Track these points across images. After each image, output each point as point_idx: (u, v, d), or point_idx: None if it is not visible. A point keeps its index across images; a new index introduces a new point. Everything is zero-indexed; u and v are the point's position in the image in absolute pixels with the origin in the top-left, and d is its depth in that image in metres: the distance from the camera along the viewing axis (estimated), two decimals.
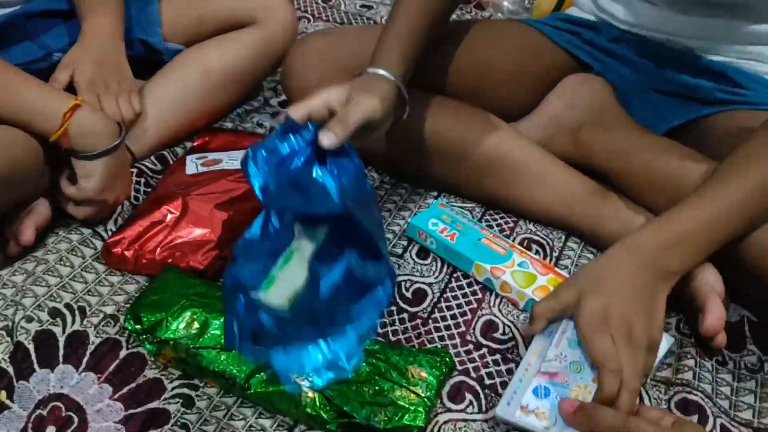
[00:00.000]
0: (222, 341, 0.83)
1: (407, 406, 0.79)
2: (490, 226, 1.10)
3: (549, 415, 0.77)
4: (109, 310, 0.93)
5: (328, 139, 0.82)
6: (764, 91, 1.08)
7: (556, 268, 1.00)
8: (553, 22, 1.22)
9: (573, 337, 0.82)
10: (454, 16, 1.56)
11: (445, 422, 0.83)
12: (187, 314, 0.85)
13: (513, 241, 1.08)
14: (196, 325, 0.85)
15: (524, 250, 1.02)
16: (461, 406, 0.85)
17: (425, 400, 0.80)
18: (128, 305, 0.93)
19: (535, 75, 1.18)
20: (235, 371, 0.82)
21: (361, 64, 1.10)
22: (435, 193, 1.15)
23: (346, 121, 0.84)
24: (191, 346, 0.84)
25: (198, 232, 1.00)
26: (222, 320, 0.85)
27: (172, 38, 1.21)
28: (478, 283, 1.01)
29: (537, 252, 1.06)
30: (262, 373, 0.82)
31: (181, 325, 0.85)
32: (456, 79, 1.13)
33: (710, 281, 0.92)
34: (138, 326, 0.85)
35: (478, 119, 1.10)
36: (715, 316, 0.89)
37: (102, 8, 1.12)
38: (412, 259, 1.04)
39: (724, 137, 1.05)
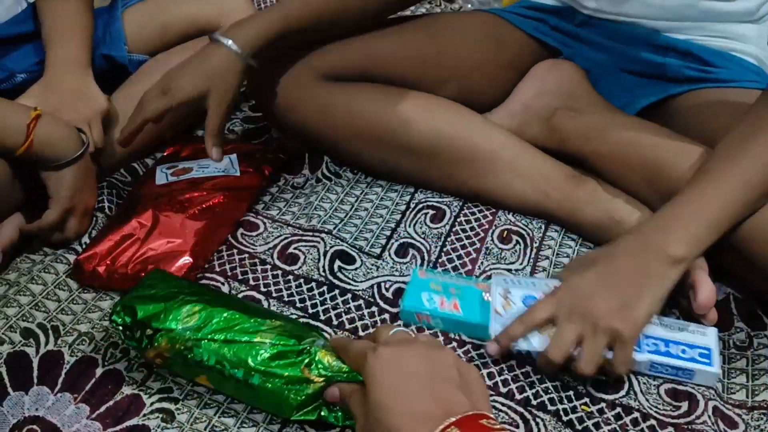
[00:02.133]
0: (226, 336, 0.80)
1: None
2: (468, 221, 1.08)
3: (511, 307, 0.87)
4: (84, 328, 0.91)
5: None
6: (732, 68, 1.08)
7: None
8: (518, 10, 1.21)
9: None
10: (422, 10, 1.55)
11: None
12: (187, 307, 0.82)
13: (493, 232, 1.06)
14: (196, 317, 0.81)
15: None
16: None
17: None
18: (103, 321, 0.91)
19: (503, 64, 1.17)
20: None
21: (326, 65, 1.09)
22: (411, 189, 1.14)
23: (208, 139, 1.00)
24: (192, 337, 0.80)
25: (170, 243, 0.98)
26: (225, 314, 0.81)
27: (136, 48, 1.20)
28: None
29: (517, 243, 1.05)
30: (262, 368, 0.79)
31: (183, 317, 0.81)
32: (423, 72, 1.12)
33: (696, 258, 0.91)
34: (129, 318, 0.81)
35: (447, 111, 1.09)
36: (706, 291, 0.88)
37: (67, 36, 1.10)
38: (391, 259, 1.02)
39: (694, 115, 1.05)
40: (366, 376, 0.67)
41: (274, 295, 0.96)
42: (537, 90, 1.14)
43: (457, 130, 1.07)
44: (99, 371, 0.86)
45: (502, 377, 0.87)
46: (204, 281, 0.98)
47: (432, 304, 0.91)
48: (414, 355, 0.67)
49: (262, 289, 0.97)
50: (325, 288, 0.97)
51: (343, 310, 0.94)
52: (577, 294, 0.83)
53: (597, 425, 0.82)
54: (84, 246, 1.01)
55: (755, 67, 1.10)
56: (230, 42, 0.99)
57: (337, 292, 0.97)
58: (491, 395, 0.85)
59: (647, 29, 1.10)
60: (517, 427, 0.81)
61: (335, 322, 0.93)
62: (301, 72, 1.07)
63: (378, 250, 1.04)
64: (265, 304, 0.95)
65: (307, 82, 1.07)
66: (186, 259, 0.96)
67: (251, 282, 0.98)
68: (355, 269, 1.00)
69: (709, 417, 0.83)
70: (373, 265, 1.01)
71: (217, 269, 1.00)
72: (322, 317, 0.94)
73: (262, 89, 1.09)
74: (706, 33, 1.09)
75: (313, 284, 0.98)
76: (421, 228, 1.07)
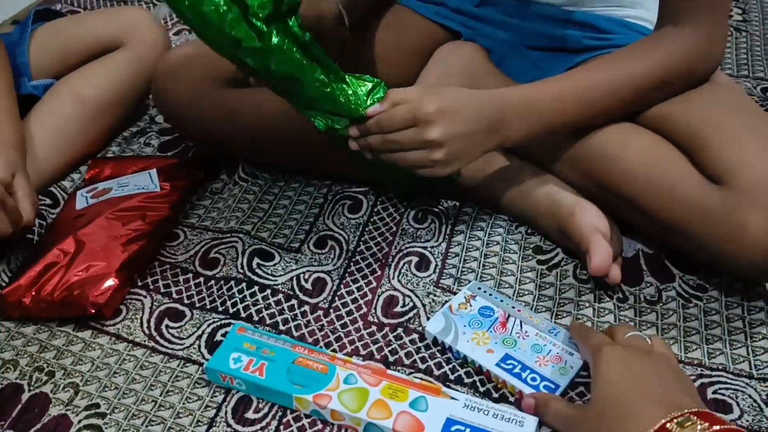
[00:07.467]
0: None
1: None
2: (385, 207, 1.10)
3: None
4: (8, 355, 0.92)
5: None
6: (627, 33, 1.10)
7: (390, 370, 0.85)
8: None
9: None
10: None
11: None
12: None
13: (409, 214, 1.09)
14: None
15: (347, 358, 0.86)
16: None
17: None
18: (27, 347, 0.92)
19: (407, 51, 1.19)
20: None
21: (228, 71, 1.09)
22: (329, 182, 1.16)
23: None
24: None
25: (94, 266, 0.98)
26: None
27: (41, 73, 1.20)
28: (377, 260, 1.02)
29: (433, 222, 1.07)
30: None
31: None
32: None
33: (591, 221, 0.94)
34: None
35: None
36: (599, 255, 0.91)
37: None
38: (310, 251, 1.04)
39: None
40: (599, 361, 0.74)
41: (197, 305, 0.98)
42: (440, 73, 1.16)
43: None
44: (25, 396, 0.87)
45: (420, 354, 0.89)
46: (128, 296, 0.99)
47: (237, 364, 0.86)
48: (645, 362, 0.73)
49: (186, 301, 0.99)
50: (244, 285, 0.99)
51: (263, 305, 0.96)
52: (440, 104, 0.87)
53: (511, 393, 0.85)
54: (8, 273, 1.02)
55: (648, 31, 1.12)
56: None
57: (256, 288, 0.99)
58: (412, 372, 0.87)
59: (545, 5, 1.13)
60: None
61: (256, 318, 0.95)
62: (203, 81, 1.08)
63: (297, 245, 1.05)
64: (188, 315, 0.96)
65: (210, 91, 1.08)
66: (111, 282, 0.96)
67: (174, 294, 1.00)
68: (274, 265, 1.02)
69: None
70: (291, 259, 1.03)
71: (139, 283, 1.01)
72: (243, 315, 0.96)
73: (166, 102, 1.10)
74: (602, 4, 1.12)
75: (233, 283, 1.00)
76: (339, 219, 1.09)
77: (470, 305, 0.92)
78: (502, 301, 0.93)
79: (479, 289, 0.95)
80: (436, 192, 1.10)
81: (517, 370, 0.85)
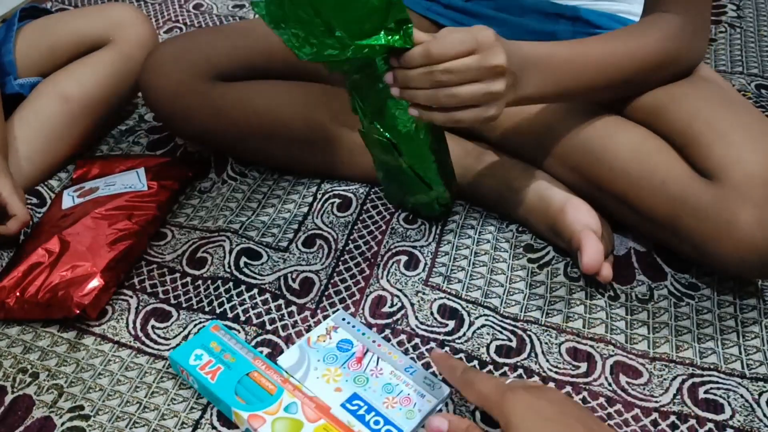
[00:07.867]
0: None
1: None
2: (375, 206, 1.09)
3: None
4: None
5: None
6: (617, 27, 1.09)
7: (333, 411, 0.81)
8: None
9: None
10: None
11: None
12: None
13: (399, 215, 1.08)
14: None
15: (299, 385, 0.84)
16: None
17: None
18: (11, 348, 0.91)
19: None
20: None
21: (215, 67, 1.09)
22: (318, 181, 1.15)
23: None
24: None
25: (79, 267, 0.97)
26: None
27: (27, 71, 1.18)
28: (366, 260, 1.01)
29: (422, 223, 1.06)
30: None
31: None
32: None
33: (582, 218, 0.94)
34: None
35: (339, 100, 1.09)
36: (590, 253, 0.90)
37: None
38: (298, 250, 1.03)
39: None
40: (507, 414, 0.67)
41: (184, 305, 0.97)
42: None
43: (352, 118, 1.07)
44: (8, 399, 0.86)
45: (410, 356, 0.88)
46: (114, 296, 0.98)
47: (196, 362, 0.86)
48: (553, 401, 0.68)
49: (172, 301, 0.97)
50: (231, 284, 0.98)
51: (250, 305, 0.95)
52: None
53: None
54: None
55: None
56: None
57: (243, 287, 0.98)
58: None
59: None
60: None
61: (242, 318, 0.94)
62: (190, 78, 1.07)
63: (285, 244, 1.04)
64: (175, 316, 0.95)
65: (197, 87, 1.07)
66: (96, 282, 0.95)
67: (161, 294, 0.98)
68: (261, 264, 1.01)
69: (606, 378, 0.85)
70: (279, 258, 1.02)
71: (126, 283, 1.00)
72: (230, 315, 0.94)
73: (153, 99, 1.09)
74: None
75: (219, 282, 0.99)
76: (328, 218, 1.08)
77: (330, 337, 0.88)
78: (364, 334, 0.89)
79: (343, 320, 0.91)
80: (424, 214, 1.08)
81: (361, 412, 0.81)
